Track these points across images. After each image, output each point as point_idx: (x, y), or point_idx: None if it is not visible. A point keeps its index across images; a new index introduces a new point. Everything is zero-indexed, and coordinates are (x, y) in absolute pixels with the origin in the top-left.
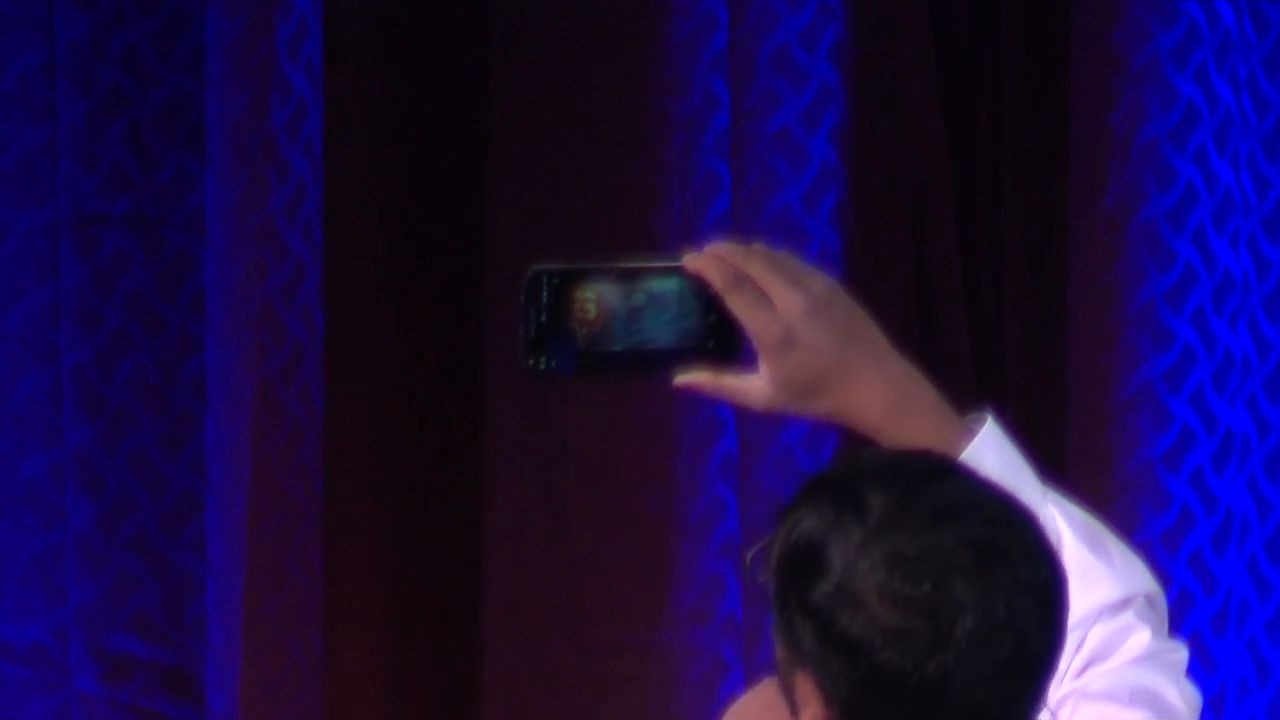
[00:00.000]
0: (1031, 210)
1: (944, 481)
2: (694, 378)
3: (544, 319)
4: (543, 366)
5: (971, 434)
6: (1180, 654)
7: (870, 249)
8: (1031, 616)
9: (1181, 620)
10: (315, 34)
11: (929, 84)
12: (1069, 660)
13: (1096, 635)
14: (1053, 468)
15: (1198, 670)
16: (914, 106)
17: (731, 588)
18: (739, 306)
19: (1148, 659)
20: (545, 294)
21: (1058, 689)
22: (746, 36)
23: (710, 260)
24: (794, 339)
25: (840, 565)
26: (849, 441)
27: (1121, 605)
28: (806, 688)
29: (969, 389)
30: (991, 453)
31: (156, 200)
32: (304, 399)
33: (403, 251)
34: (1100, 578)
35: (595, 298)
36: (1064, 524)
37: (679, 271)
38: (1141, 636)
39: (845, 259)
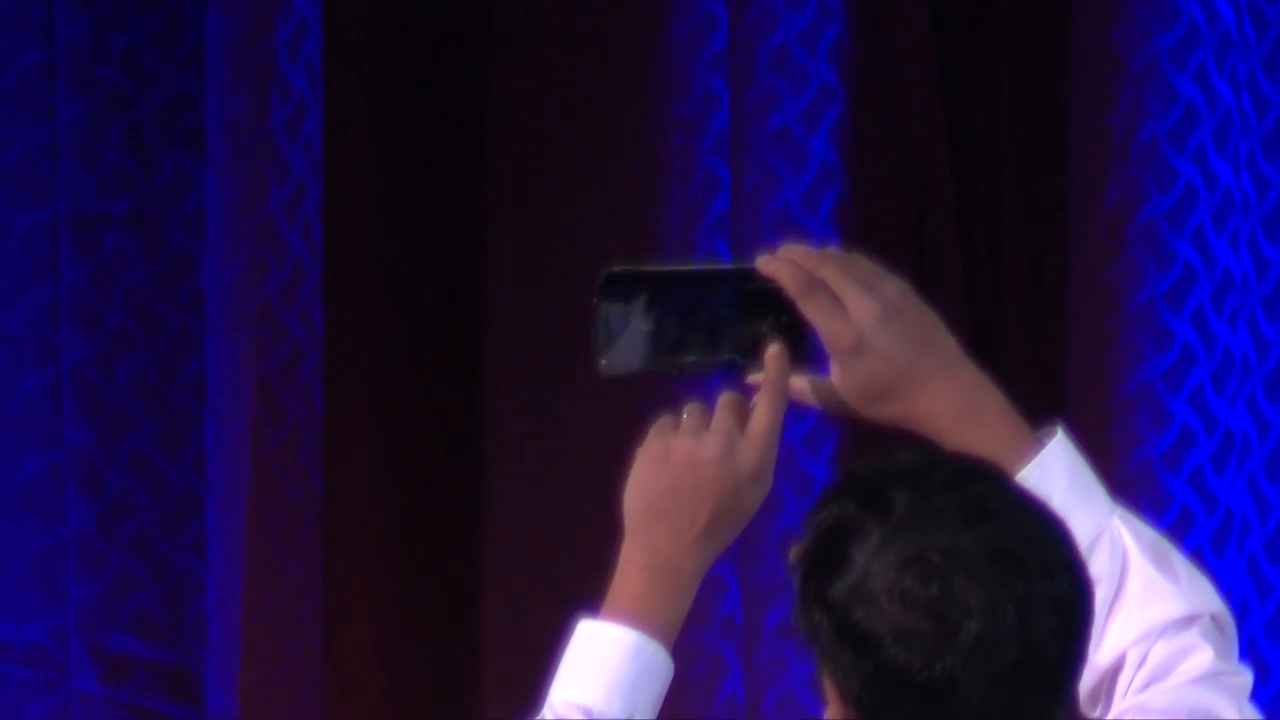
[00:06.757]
0: (1031, 210)
1: (970, 486)
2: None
3: (614, 321)
4: (613, 368)
5: (1040, 445)
6: (1243, 678)
7: (870, 249)
8: (1045, 627)
9: None
10: (315, 34)
11: (929, 84)
12: (1131, 676)
13: (1159, 652)
14: None
15: None
16: (914, 106)
17: (731, 588)
18: (812, 311)
19: (1208, 679)
20: (617, 296)
21: (1120, 703)
22: (746, 36)
23: (784, 264)
24: (867, 345)
25: (860, 563)
26: (850, 443)
27: (1186, 623)
28: (829, 685)
29: None
30: (1059, 465)
31: (156, 200)
32: (304, 399)
33: (403, 251)
34: (1165, 594)
35: (665, 298)
36: (1130, 540)
37: (752, 274)
38: (1204, 656)
39: None
